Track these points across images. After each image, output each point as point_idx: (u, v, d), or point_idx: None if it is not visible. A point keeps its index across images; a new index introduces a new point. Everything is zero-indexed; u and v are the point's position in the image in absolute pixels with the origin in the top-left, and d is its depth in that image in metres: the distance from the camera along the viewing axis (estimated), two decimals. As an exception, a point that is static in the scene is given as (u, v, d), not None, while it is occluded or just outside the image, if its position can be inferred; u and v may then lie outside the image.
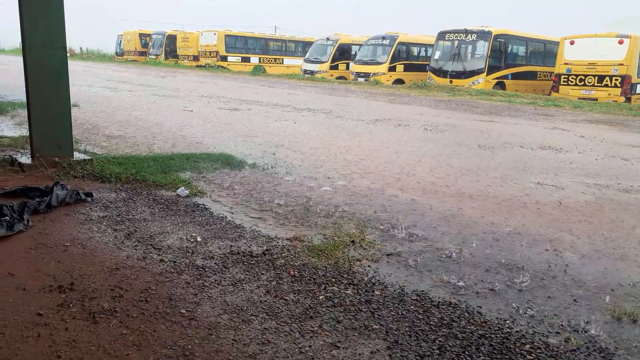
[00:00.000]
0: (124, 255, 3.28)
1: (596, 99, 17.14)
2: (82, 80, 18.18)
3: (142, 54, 38.78)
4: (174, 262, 3.21)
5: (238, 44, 32.75)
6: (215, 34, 31.85)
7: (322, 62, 26.34)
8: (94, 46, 48.13)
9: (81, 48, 47.77)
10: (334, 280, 3.09)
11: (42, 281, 2.87)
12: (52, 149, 5.23)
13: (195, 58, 33.78)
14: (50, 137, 5.22)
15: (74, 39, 44.19)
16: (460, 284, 3.15)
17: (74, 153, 5.55)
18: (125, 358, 2.21)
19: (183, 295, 2.78)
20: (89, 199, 4.35)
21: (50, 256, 3.22)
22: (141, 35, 39.79)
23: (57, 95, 5.18)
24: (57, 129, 5.24)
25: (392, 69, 23.22)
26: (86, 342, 2.31)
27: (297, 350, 2.33)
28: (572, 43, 17.79)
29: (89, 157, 5.60)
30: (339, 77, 25.81)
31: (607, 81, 17.14)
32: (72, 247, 3.38)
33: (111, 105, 11.54)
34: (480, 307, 2.87)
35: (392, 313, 2.73)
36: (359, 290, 2.97)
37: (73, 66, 25.66)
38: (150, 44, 37.90)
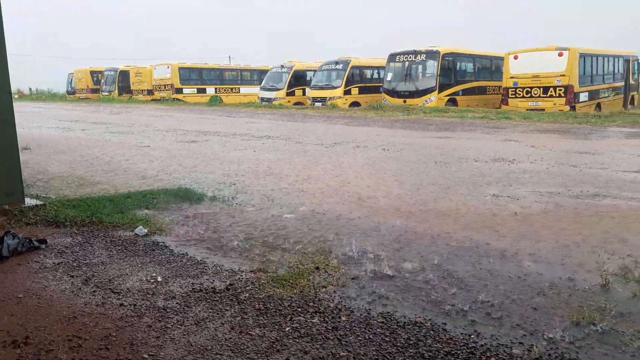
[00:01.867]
0: (82, 303, 3.17)
1: (543, 110, 17.90)
2: (32, 121, 17.67)
3: (95, 91, 38.14)
4: (134, 305, 3.13)
5: (193, 75, 32.67)
6: (169, 67, 31.68)
7: (279, 89, 26.56)
8: (44, 86, 47.07)
9: (30, 89, 46.60)
10: (300, 309, 3.07)
11: (-7, 338, 2.73)
12: (0, 197, 5.04)
13: (150, 92, 33.44)
14: (-2, 184, 5.04)
15: (22, 80, 43.09)
16: (424, 301, 3.19)
17: (25, 199, 5.36)
18: (86, 412, 2.12)
19: (145, 339, 2.70)
20: (43, 246, 4.20)
21: (3, 310, 3.07)
22: (92, 73, 39.19)
23: (3, 141, 5.02)
24: (5, 176, 5.06)
25: (347, 92, 23.64)
26: (43, 399, 2.21)
27: (265, 385, 2.30)
28: (515, 57, 18.61)
29: (42, 202, 5.43)
30: (296, 103, 26.05)
31: (551, 92, 17.96)
32: (25, 298, 3.25)
33: (64, 146, 11.25)
34: (445, 323, 2.91)
35: (359, 338, 2.73)
36: (326, 318, 2.96)
37: (23, 107, 25.00)
38: (102, 80, 37.34)
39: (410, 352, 2.58)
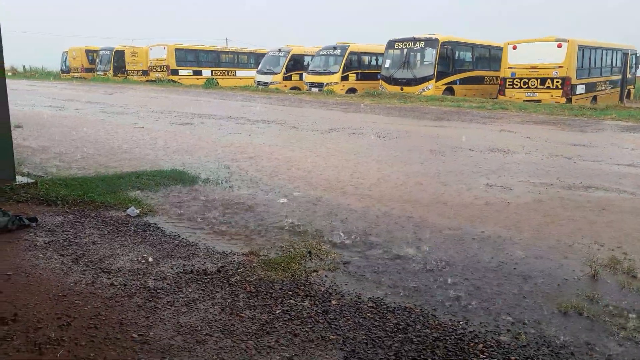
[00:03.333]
0: (72, 281, 3.16)
1: (540, 101, 17.88)
2: (25, 99, 17.48)
3: (90, 70, 37.69)
4: (125, 285, 3.12)
5: (189, 57, 32.31)
6: (165, 48, 31.31)
7: (275, 74, 26.34)
8: (37, 64, 46.48)
9: (24, 66, 46.01)
10: (290, 293, 3.08)
11: (-18, 314, 2.72)
12: (-9, 174, 4.99)
13: (145, 73, 33.08)
14: (-11, 161, 4.99)
15: (15, 58, 42.53)
16: (415, 287, 3.20)
17: (17, 177, 5.32)
18: (73, 389, 2.12)
19: (134, 319, 2.70)
20: (34, 224, 4.18)
21: (-9, 287, 3.06)
22: (88, 52, 38.68)
23: (-5, 117, 4.96)
24: (-3, 153, 5.01)
25: (344, 78, 23.48)
26: (31, 375, 2.21)
27: (253, 367, 2.31)
28: (514, 48, 18.51)
29: (33, 180, 5.39)
30: (292, 88, 25.87)
31: (549, 83, 17.92)
32: (15, 275, 3.23)
33: (57, 125, 11.15)
34: (434, 309, 2.92)
35: (349, 322, 2.74)
36: (316, 302, 2.97)
37: (15, 85, 24.70)
38: (97, 60, 36.89)
39: (399, 337, 2.60)
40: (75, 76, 38.16)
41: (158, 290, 3.05)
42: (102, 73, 35.83)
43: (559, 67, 17.56)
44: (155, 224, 4.35)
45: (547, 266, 3.60)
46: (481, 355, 2.45)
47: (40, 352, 2.37)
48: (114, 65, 35.36)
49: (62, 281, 3.16)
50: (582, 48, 18.20)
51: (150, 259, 3.54)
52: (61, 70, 41.59)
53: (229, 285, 3.15)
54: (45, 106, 15.70)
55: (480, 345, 2.54)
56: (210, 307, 2.87)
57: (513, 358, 2.43)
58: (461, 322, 2.78)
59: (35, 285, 3.10)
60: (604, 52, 20.12)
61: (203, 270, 3.38)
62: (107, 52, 36.10)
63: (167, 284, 3.15)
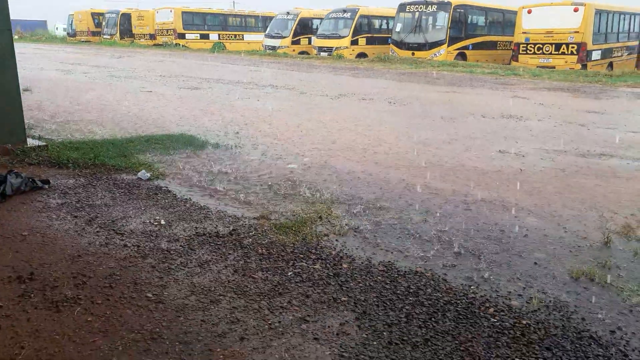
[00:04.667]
0: (86, 242, 3.20)
1: (554, 67, 17.51)
2: (33, 63, 17.39)
3: (96, 34, 37.26)
4: (138, 246, 3.15)
5: (196, 20, 31.82)
6: (171, 11, 30.82)
7: (284, 37, 25.91)
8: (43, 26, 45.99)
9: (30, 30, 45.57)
10: (302, 256, 3.10)
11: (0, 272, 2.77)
12: (3, 136, 5.01)
13: (152, 37, 32.68)
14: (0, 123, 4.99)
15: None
16: (426, 253, 3.21)
17: (28, 139, 5.34)
18: (91, 345, 2.17)
19: (148, 279, 2.74)
20: (46, 186, 4.21)
21: (8, 246, 3.10)
22: (93, 15, 38.16)
23: (4, 79, 4.94)
24: (7, 116, 5.01)
25: (354, 42, 23.07)
26: (50, 331, 2.25)
27: (266, 326, 2.34)
28: (529, 12, 18.02)
29: (44, 143, 5.40)
30: (301, 52, 25.49)
31: (563, 49, 17.51)
32: (30, 236, 3.27)
33: (66, 88, 11.11)
34: (445, 274, 2.93)
35: (360, 285, 2.76)
36: (327, 265, 2.99)
37: (22, 49, 24.53)
38: (103, 23, 36.42)
39: (410, 300, 2.61)
40: (82, 39, 37.79)
41: (171, 252, 3.08)
42: (108, 37, 35.43)
43: (575, 32, 17.11)
44: (167, 187, 4.36)
45: (559, 233, 3.59)
46: (492, 319, 2.47)
47: (58, 310, 2.42)
48: (120, 29, 34.91)
49: (76, 242, 3.20)
50: (599, 12, 17.68)
51: (162, 222, 3.57)
52: (67, 33, 41.18)
53: (241, 248, 3.17)
54: (53, 70, 15.62)
55: (491, 310, 2.56)
56: (223, 268, 2.90)
57: (524, 322, 2.45)
58: (472, 287, 2.79)
59: (50, 245, 3.14)
60: (622, 16, 19.54)
61: (215, 232, 3.40)
62: (114, 15, 35.58)
63: (180, 246, 3.17)
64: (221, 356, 2.12)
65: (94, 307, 2.46)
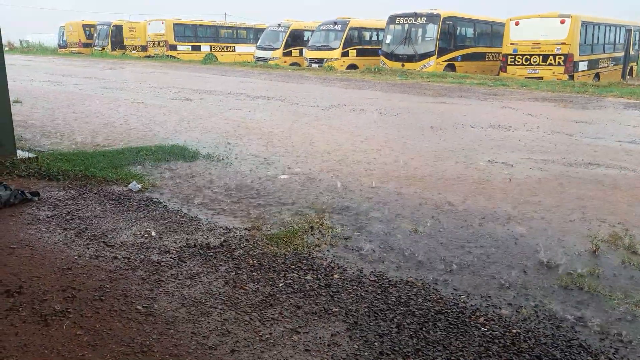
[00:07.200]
0: (75, 255, 3.18)
1: (542, 78, 17.72)
2: (23, 74, 17.32)
3: (87, 45, 37.21)
4: (128, 258, 3.14)
5: (187, 32, 31.92)
6: (163, 23, 30.89)
7: (275, 49, 26.04)
8: (34, 39, 45.89)
9: (21, 41, 45.47)
10: (293, 267, 3.10)
11: (-13, 286, 2.74)
12: (-8, 148, 4.97)
13: (144, 48, 32.70)
14: (-11, 135, 4.96)
15: (11, 33, 41.94)
16: (417, 262, 3.22)
17: (17, 151, 5.30)
18: (80, 359, 2.15)
19: (139, 292, 2.72)
20: (36, 198, 4.18)
21: (-4, 260, 3.07)
22: (85, 26, 38.12)
23: (-6, 91, 4.91)
24: (-3, 127, 4.98)
25: (345, 54, 23.23)
26: (38, 345, 2.23)
27: (257, 338, 2.33)
28: (517, 24, 18.27)
29: (34, 155, 5.37)
30: (292, 64, 25.62)
31: (551, 60, 17.74)
32: (19, 249, 3.25)
33: (56, 100, 11.07)
34: (436, 283, 2.95)
35: (351, 295, 2.77)
36: (319, 275, 2.99)
37: (13, 60, 24.41)
38: (95, 35, 36.40)
39: (401, 310, 2.62)
40: (73, 51, 37.72)
41: (162, 264, 3.07)
42: (100, 48, 35.41)
43: (562, 43, 17.36)
44: (157, 198, 4.35)
45: (548, 242, 3.62)
46: (482, 328, 2.48)
47: (47, 324, 2.40)
48: (112, 41, 34.92)
49: (66, 254, 3.18)
50: (585, 24, 17.97)
51: (153, 233, 3.56)
52: (58, 45, 41.08)
53: (232, 259, 3.17)
54: (44, 82, 15.56)
55: (482, 319, 2.57)
56: (214, 280, 2.89)
57: (514, 331, 2.46)
58: (462, 296, 2.80)
59: (39, 258, 3.12)
60: (607, 28, 19.87)
61: (206, 244, 3.40)
62: (105, 26, 35.61)
63: (171, 258, 3.16)
64: (212, 368, 2.11)
65: (84, 320, 2.44)
